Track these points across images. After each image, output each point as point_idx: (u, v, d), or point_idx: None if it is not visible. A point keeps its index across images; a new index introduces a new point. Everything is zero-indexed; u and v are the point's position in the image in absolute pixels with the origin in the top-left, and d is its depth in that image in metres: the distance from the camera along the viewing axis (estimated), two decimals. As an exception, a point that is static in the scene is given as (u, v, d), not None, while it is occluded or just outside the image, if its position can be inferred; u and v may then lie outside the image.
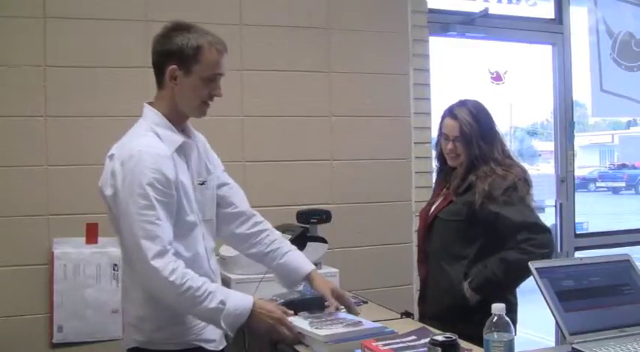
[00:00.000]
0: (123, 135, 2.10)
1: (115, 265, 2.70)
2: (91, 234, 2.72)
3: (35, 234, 2.70)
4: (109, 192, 1.76)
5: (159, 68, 1.82)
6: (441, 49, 3.65)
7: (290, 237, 2.47)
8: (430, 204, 2.47)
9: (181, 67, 1.77)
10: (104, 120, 2.75)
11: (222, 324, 1.73)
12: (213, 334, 1.88)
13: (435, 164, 2.56)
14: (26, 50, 2.72)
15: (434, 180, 2.59)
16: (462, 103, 2.34)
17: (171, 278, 1.67)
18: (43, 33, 2.73)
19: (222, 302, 1.73)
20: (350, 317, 1.95)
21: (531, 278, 1.83)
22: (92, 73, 2.79)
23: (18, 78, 2.70)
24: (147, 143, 1.76)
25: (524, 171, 2.30)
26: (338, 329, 1.80)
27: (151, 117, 1.82)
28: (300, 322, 1.86)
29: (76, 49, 2.78)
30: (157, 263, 1.67)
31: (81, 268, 2.72)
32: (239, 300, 1.77)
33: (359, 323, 1.87)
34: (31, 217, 2.70)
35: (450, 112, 2.33)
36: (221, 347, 1.92)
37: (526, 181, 2.26)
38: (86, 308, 2.71)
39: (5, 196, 2.68)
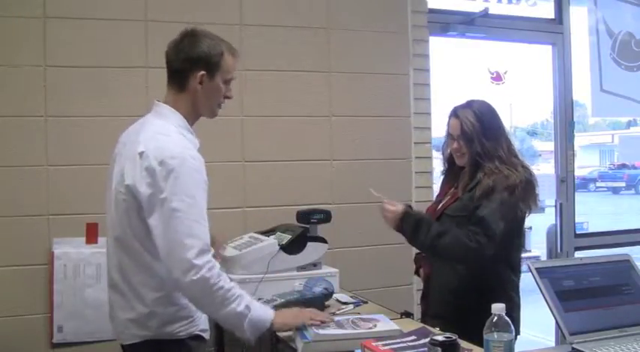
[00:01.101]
0: (123, 134, 2.07)
1: (115, 265, 2.70)
2: (91, 234, 2.72)
3: (35, 234, 2.70)
4: (144, 189, 1.76)
5: (182, 73, 1.88)
6: (441, 49, 3.65)
7: (290, 236, 2.47)
8: (437, 202, 2.48)
9: (208, 72, 1.87)
10: (104, 120, 2.75)
11: (245, 328, 1.79)
12: (206, 324, 1.96)
13: (436, 165, 2.56)
14: (26, 50, 2.72)
15: (441, 180, 2.58)
16: (468, 104, 2.35)
17: (207, 275, 1.72)
18: (43, 33, 2.73)
19: (248, 308, 1.79)
20: (351, 316, 1.96)
21: (530, 278, 1.83)
22: (92, 73, 2.79)
23: (18, 78, 2.70)
24: (184, 145, 1.82)
25: (529, 172, 2.27)
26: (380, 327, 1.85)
27: (174, 119, 1.88)
28: (328, 330, 1.84)
29: (76, 49, 2.78)
30: (198, 260, 1.71)
31: (81, 268, 2.72)
32: (260, 308, 1.84)
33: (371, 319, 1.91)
34: (31, 217, 2.70)
35: (454, 112, 2.36)
36: (209, 337, 2.01)
37: (529, 182, 2.24)
38: (86, 308, 2.71)
39: (5, 196, 2.68)
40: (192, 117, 1.92)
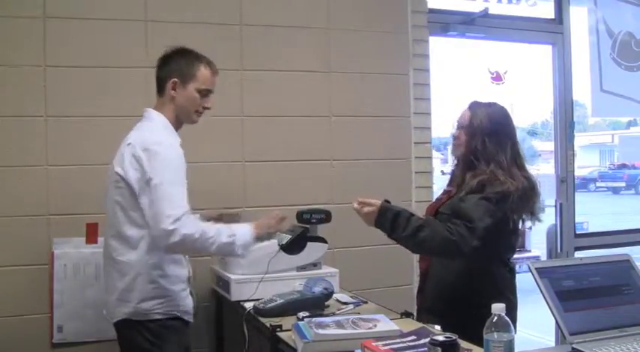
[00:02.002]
0: (123, 135, 2.15)
1: (115, 265, 2.71)
2: (91, 234, 2.72)
3: (35, 234, 2.70)
4: (133, 174, 2.02)
5: (161, 80, 2.18)
6: (441, 49, 3.65)
7: (290, 237, 2.47)
8: (437, 199, 2.49)
9: (181, 79, 2.15)
10: (104, 120, 2.75)
11: (239, 252, 2.13)
12: (188, 306, 2.18)
13: (436, 165, 2.55)
14: (26, 50, 2.71)
15: (450, 178, 2.56)
16: (488, 103, 2.31)
17: (184, 232, 1.96)
18: (43, 33, 2.73)
19: (232, 236, 2.09)
20: (351, 316, 1.96)
21: (530, 278, 1.83)
22: (92, 73, 2.79)
23: (18, 78, 2.70)
24: (168, 138, 2.10)
25: (531, 185, 2.21)
26: (380, 327, 1.86)
27: (159, 120, 2.14)
28: (328, 330, 1.83)
29: (76, 49, 2.78)
30: (174, 225, 1.95)
31: (81, 268, 2.72)
32: (241, 231, 2.14)
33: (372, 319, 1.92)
34: (31, 217, 2.70)
35: (470, 105, 2.33)
36: (192, 320, 2.21)
37: (526, 194, 2.18)
38: (86, 308, 2.70)
39: (5, 196, 2.68)
40: (175, 122, 2.18)
